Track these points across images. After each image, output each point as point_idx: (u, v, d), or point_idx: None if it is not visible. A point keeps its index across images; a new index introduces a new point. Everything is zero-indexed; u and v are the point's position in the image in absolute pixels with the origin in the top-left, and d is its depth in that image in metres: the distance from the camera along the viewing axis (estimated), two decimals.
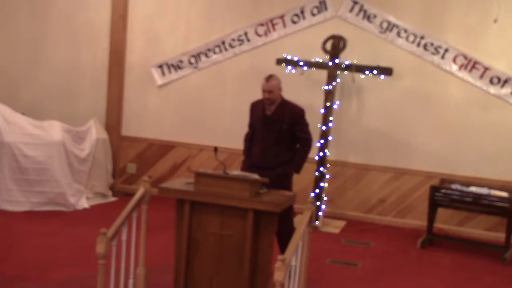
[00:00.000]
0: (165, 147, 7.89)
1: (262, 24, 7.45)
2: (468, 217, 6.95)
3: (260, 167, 4.88)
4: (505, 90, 6.82)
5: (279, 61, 7.07)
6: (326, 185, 6.97)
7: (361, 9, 7.15)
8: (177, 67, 7.77)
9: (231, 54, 7.58)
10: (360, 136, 7.28)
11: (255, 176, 4.12)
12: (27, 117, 7.14)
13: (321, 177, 6.89)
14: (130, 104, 7.96)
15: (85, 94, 8.05)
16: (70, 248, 5.54)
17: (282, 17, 7.37)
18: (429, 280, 5.43)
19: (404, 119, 7.15)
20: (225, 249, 4.07)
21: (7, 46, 8.20)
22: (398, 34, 7.06)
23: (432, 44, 6.98)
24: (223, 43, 7.59)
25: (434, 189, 6.35)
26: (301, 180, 7.19)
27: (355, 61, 6.86)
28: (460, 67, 6.93)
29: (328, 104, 6.85)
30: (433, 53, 6.99)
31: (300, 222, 3.97)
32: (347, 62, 6.84)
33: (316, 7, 7.27)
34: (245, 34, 7.51)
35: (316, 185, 6.87)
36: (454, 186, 6.43)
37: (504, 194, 6.23)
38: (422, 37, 7.00)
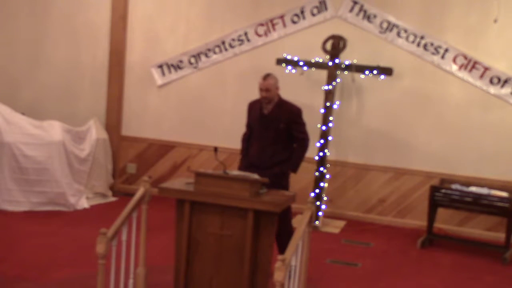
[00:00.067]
0: (165, 147, 7.89)
1: (262, 24, 7.45)
2: (468, 217, 6.95)
3: (257, 166, 4.89)
4: (505, 90, 6.82)
5: (279, 61, 7.07)
6: (326, 185, 6.97)
7: (361, 9, 7.15)
8: (177, 67, 7.77)
9: (231, 54, 7.58)
10: (360, 136, 7.28)
11: (255, 176, 4.12)
12: (27, 117, 7.14)
13: (321, 177, 6.88)
14: (130, 104, 7.96)
15: (85, 94, 8.05)
16: (70, 248, 5.54)
17: (282, 17, 7.38)
18: (429, 280, 5.43)
19: (404, 119, 7.15)
20: (225, 249, 4.07)
21: (7, 46, 8.20)
22: (398, 34, 7.06)
23: (432, 44, 6.98)
24: (223, 43, 7.59)
25: (434, 189, 6.35)
26: (301, 180, 7.20)
27: (355, 61, 6.87)
28: (460, 67, 6.93)
29: (328, 104, 6.85)
30: (433, 53, 6.99)
31: (300, 222, 3.97)
32: (347, 62, 6.84)
33: (316, 7, 7.27)
34: (245, 34, 7.51)
35: (316, 185, 6.87)
36: (454, 186, 6.43)
37: (504, 194, 6.23)
38: (422, 37, 7.00)
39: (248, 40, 7.51)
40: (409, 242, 6.55)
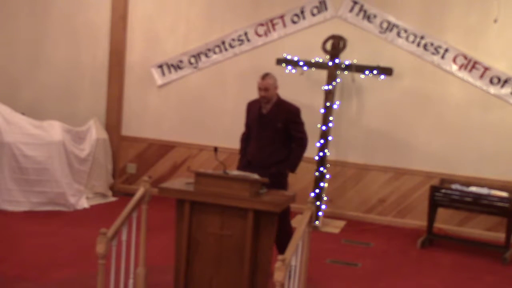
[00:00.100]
0: (165, 147, 7.89)
1: (262, 24, 7.45)
2: (468, 217, 6.95)
3: (256, 165, 4.90)
4: (505, 90, 6.82)
5: (279, 61, 7.07)
6: (326, 185, 6.97)
7: (361, 9, 7.15)
8: (177, 67, 7.77)
9: (231, 54, 7.58)
10: (360, 136, 7.28)
11: (255, 176, 4.12)
12: (27, 117, 7.14)
13: (321, 177, 6.88)
14: (130, 104, 7.96)
15: (85, 94, 8.05)
16: (70, 248, 5.54)
17: (282, 17, 7.38)
18: (429, 280, 5.43)
19: (404, 119, 7.15)
20: (225, 249, 4.07)
21: (7, 46, 8.20)
22: (398, 34, 7.06)
23: (432, 44, 6.98)
24: (223, 43, 7.59)
25: (434, 189, 6.35)
26: (301, 180, 7.21)
27: (355, 61, 6.87)
28: (460, 67, 6.93)
29: (328, 104, 6.85)
30: (433, 53, 6.99)
31: (300, 222, 3.97)
32: (347, 62, 6.84)
33: (316, 7, 7.27)
34: (245, 34, 7.51)
35: (316, 185, 6.87)
36: (454, 186, 6.43)
37: (504, 194, 6.23)
38: (422, 37, 7.00)
39: (248, 40, 7.51)
40: (409, 242, 6.55)
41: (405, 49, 7.06)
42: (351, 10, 7.18)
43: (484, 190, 6.26)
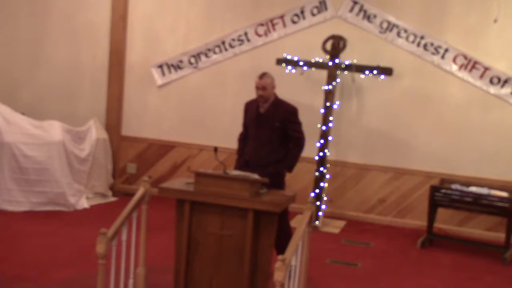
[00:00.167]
0: (165, 147, 7.89)
1: (262, 24, 7.45)
2: (468, 217, 6.95)
3: (253, 165, 4.90)
4: (505, 90, 6.82)
5: (279, 61, 7.07)
6: (326, 185, 6.97)
7: (361, 9, 7.15)
8: (177, 67, 7.77)
9: (231, 54, 7.58)
10: (360, 136, 7.28)
11: (255, 176, 4.12)
12: (27, 117, 7.14)
13: (321, 177, 6.88)
14: (130, 104, 7.96)
15: (85, 94, 8.05)
16: (70, 248, 5.54)
17: (282, 17, 7.38)
18: (429, 280, 5.43)
19: (404, 119, 7.15)
20: (225, 249, 4.07)
21: (7, 46, 8.20)
22: (398, 34, 7.06)
23: (432, 44, 6.98)
24: (223, 43, 7.59)
25: (434, 189, 6.35)
26: (301, 180, 7.22)
27: (355, 61, 6.87)
28: (460, 67, 6.93)
29: (328, 104, 6.85)
30: (433, 53, 6.99)
31: (300, 222, 3.97)
32: (347, 62, 6.85)
33: (316, 7, 7.27)
34: (245, 34, 7.51)
35: (316, 185, 6.87)
36: (454, 186, 6.43)
37: (504, 194, 6.23)
38: (422, 37, 7.00)
39: (248, 40, 7.51)
40: (409, 242, 6.55)
41: (405, 49, 7.06)
42: (351, 10, 7.18)
43: (484, 190, 6.26)
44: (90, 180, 7.31)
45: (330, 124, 6.89)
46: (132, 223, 4.10)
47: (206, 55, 7.66)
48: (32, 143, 6.75)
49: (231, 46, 7.57)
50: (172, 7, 7.74)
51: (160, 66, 7.81)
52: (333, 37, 6.86)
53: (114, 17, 7.82)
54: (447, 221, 6.99)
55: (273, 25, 7.42)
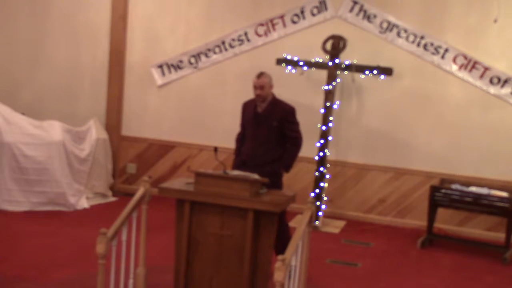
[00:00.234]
0: (165, 147, 7.89)
1: (262, 24, 7.45)
2: (468, 217, 6.95)
3: (250, 164, 4.90)
4: (505, 90, 6.82)
5: (279, 61, 7.07)
6: (326, 185, 6.97)
7: (361, 9, 7.15)
8: (177, 67, 7.77)
9: (231, 54, 7.58)
10: (360, 136, 7.28)
11: (255, 176, 4.12)
12: (27, 117, 7.14)
13: (321, 177, 6.88)
14: (130, 104, 7.96)
15: (85, 94, 8.05)
16: (70, 248, 5.54)
17: (282, 17, 7.38)
18: (429, 280, 5.43)
19: (404, 119, 7.15)
20: (225, 249, 4.07)
21: (7, 46, 8.20)
22: (398, 34, 7.06)
23: (432, 44, 6.98)
24: (223, 43, 7.59)
25: (434, 189, 6.35)
26: (301, 180, 7.22)
27: (355, 61, 6.87)
28: (460, 67, 6.93)
29: (328, 104, 6.85)
30: (433, 53, 6.99)
31: (300, 222, 3.97)
32: (347, 62, 6.85)
33: (316, 7, 7.27)
34: (245, 34, 7.51)
35: (316, 185, 6.87)
36: (454, 186, 6.43)
37: (504, 194, 6.23)
38: (422, 37, 7.00)
39: (248, 40, 7.51)
40: (409, 242, 6.55)
41: (405, 49, 7.06)
42: (351, 10, 7.18)
43: (484, 190, 6.26)
44: (90, 180, 7.31)
45: (330, 124, 6.89)
46: (132, 223, 4.10)
47: (206, 55, 7.66)
48: (32, 143, 6.75)
49: (231, 46, 7.57)
50: (172, 7, 7.74)
51: (160, 66, 7.81)
52: (333, 37, 6.86)
53: (114, 17, 7.82)
54: (447, 221, 6.99)
55: (273, 25, 7.42)
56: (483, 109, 6.92)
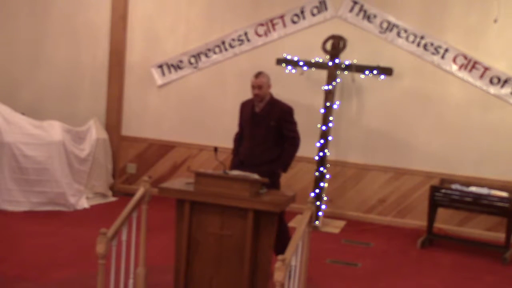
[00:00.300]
0: (165, 147, 7.89)
1: (262, 24, 7.45)
2: (468, 217, 6.95)
3: (248, 164, 4.90)
4: (505, 90, 6.82)
5: (279, 61, 7.07)
6: (326, 185, 6.97)
7: (361, 9, 7.15)
8: (177, 67, 7.77)
9: (231, 54, 7.58)
10: (360, 136, 7.28)
11: (255, 176, 4.12)
12: (27, 117, 7.14)
13: (321, 177, 6.88)
14: (130, 104, 7.96)
15: (85, 94, 8.05)
16: (70, 248, 5.54)
17: (282, 17, 7.38)
18: (429, 280, 5.43)
19: (404, 119, 7.15)
20: (225, 249, 4.07)
21: (7, 46, 8.20)
22: (398, 34, 7.06)
23: (432, 44, 6.98)
24: (223, 43, 7.59)
25: (434, 189, 6.35)
26: (301, 180, 7.22)
27: (355, 61, 6.87)
28: (460, 67, 6.93)
29: (328, 104, 6.85)
30: (433, 53, 6.99)
31: (300, 222, 3.97)
32: (347, 62, 6.85)
33: (316, 7, 7.27)
34: (245, 34, 7.51)
35: (316, 185, 6.87)
36: (454, 186, 6.43)
37: (504, 194, 6.23)
38: (422, 37, 7.00)
39: (248, 40, 7.51)
40: (409, 242, 6.55)
41: (405, 49, 7.06)
42: (351, 10, 7.18)
43: (484, 190, 6.26)
44: (90, 180, 7.31)
45: (330, 124, 6.89)
46: (132, 223, 4.10)
47: (206, 55, 7.66)
48: (32, 143, 6.75)
49: (231, 46, 7.57)
50: (172, 7, 7.74)
51: (160, 66, 7.81)
52: (333, 37, 6.86)
53: (114, 17, 7.82)
54: (447, 221, 6.99)
55: (273, 25, 7.42)
56: (483, 109, 6.92)
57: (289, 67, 7.06)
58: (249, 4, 7.50)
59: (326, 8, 7.24)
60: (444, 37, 6.96)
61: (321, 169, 6.87)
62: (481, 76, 6.87)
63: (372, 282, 5.27)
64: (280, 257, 3.30)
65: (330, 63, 6.84)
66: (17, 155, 6.65)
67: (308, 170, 7.14)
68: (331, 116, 6.89)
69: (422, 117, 7.10)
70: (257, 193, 4.05)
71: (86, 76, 8.04)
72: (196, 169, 4.40)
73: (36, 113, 7.71)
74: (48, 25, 8.07)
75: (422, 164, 7.11)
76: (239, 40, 7.53)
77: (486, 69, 6.84)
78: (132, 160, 8.03)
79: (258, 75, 5.04)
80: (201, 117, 7.73)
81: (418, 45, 7.02)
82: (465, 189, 6.34)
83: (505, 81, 6.80)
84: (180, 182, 4.31)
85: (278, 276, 3.25)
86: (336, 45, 6.85)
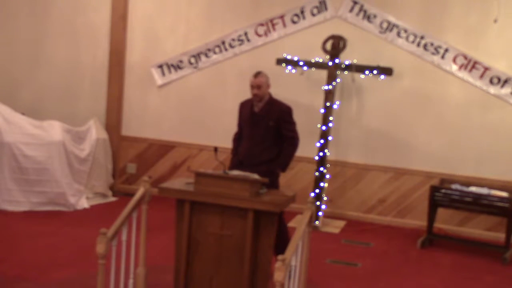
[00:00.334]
0: (165, 147, 7.89)
1: (262, 24, 7.45)
2: (468, 217, 6.95)
3: (247, 164, 4.90)
4: (505, 90, 6.82)
5: (279, 61, 7.07)
6: (326, 185, 6.97)
7: (361, 9, 7.15)
8: (177, 67, 7.77)
9: (231, 54, 7.58)
10: (360, 136, 7.28)
11: (255, 176, 4.12)
12: (27, 117, 7.14)
13: (321, 177, 6.88)
14: (130, 104, 7.96)
15: (85, 94, 8.05)
16: (70, 248, 5.54)
17: (282, 17, 7.38)
18: (429, 280, 5.43)
19: (404, 119, 7.15)
20: (225, 249, 4.07)
21: (7, 46, 8.20)
22: (398, 34, 7.06)
23: (432, 44, 6.98)
24: (223, 43, 7.59)
25: (434, 189, 6.35)
26: (301, 180, 7.22)
27: (355, 61, 6.87)
28: (460, 67, 6.93)
29: (328, 104, 6.85)
30: (433, 53, 6.99)
31: (300, 222, 3.97)
32: (347, 62, 6.85)
33: (316, 7, 7.27)
34: (245, 34, 7.51)
35: (316, 185, 6.87)
36: (454, 186, 6.43)
37: (504, 194, 6.23)
38: (422, 37, 7.00)
39: (248, 40, 7.51)
40: (409, 242, 6.55)
41: (405, 49, 7.06)
42: (351, 10, 7.18)
43: (484, 190, 6.26)
44: (90, 180, 7.31)
45: (330, 124, 6.89)
46: (132, 223, 4.10)
47: (206, 55, 7.66)
48: (32, 143, 6.75)
49: (231, 46, 7.57)
50: (172, 7, 7.74)
51: (160, 66, 7.81)
52: (333, 37, 6.87)
53: (114, 17, 7.82)
54: (447, 221, 6.99)
55: (273, 25, 7.42)
56: (483, 109, 6.92)
57: (289, 67, 7.06)
58: (249, 4, 7.50)
59: (326, 8, 7.25)
60: (444, 37, 6.96)
61: (321, 169, 6.87)
62: (481, 76, 6.87)
63: (372, 282, 5.27)
64: (280, 257, 3.30)
65: (330, 63, 6.84)
66: (17, 155, 6.65)
67: (308, 170, 7.14)
68: (331, 116, 6.89)
69: (422, 117, 7.10)
70: (257, 193, 4.05)
71: (86, 76, 8.04)
72: (196, 169, 4.39)
73: (36, 113, 7.71)
74: (48, 25, 8.07)
75: (422, 164, 7.11)
76: (239, 40, 7.53)
77: (486, 69, 6.84)
78: (132, 160, 8.03)
79: (257, 75, 5.04)
80: (201, 117, 7.73)
81: (418, 45, 7.02)
82: (465, 189, 6.34)
83: (505, 81, 6.80)
84: (180, 182, 4.31)
85: (278, 276, 3.25)
86: (336, 45, 6.85)
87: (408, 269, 5.72)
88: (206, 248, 4.11)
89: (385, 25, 7.09)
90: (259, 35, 7.48)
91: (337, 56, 6.84)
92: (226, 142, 7.04)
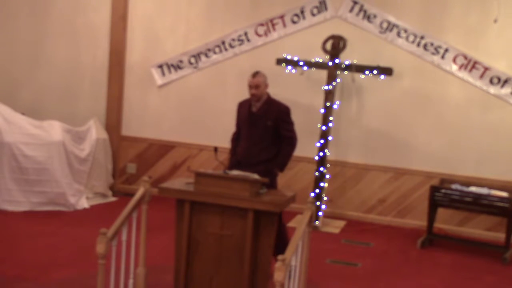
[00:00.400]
0: (165, 147, 7.89)
1: (262, 24, 7.45)
2: (468, 217, 6.95)
3: (245, 164, 4.89)
4: (505, 90, 6.82)
5: (279, 61, 7.07)
6: (326, 185, 6.97)
7: (361, 9, 7.15)
8: (177, 67, 7.77)
9: (231, 54, 7.58)
10: (360, 136, 7.28)
11: (255, 176, 4.12)
12: (27, 117, 7.14)
13: (321, 177, 6.88)
14: (130, 104, 7.96)
15: (85, 94, 8.05)
16: (70, 248, 5.54)
17: (282, 17, 7.38)
18: (429, 280, 5.43)
19: (404, 119, 7.15)
20: (225, 249, 4.07)
21: (7, 46, 8.20)
22: (398, 34, 7.06)
23: (432, 44, 6.98)
24: (223, 43, 7.59)
25: (434, 189, 6.35)
26: (301, 180, 7.22)
27: (355, 61, 6.87)
28: (460, 67, 6.93)
29: (328, 104, 6.85)
30: (433, 53, 6.99)
31: (300, 222, 3.97)
32: (347, 62, 6.85)
33: (316, 7, 7.27)
34: (245, 34, 7.51)
35: (316, 185, 6.87)
36: (454, 186, 6.43)
37: (504, 194, 6.23)
38: (422, 37, 7.00)
39: (248, 40, 7.51)
40: (409, 242, 6.55)
41: (405, 49, 7.06)
42: (351, 10, 7.18)
43: (484, 190, 6.26)
44: (90, 180, 7.31)
45: (330, 124, 6.89)
46: (132, 223, 4.10)
47: (206, 55, 7.66)
48: (32, 143, 6.75)
49: (231, 46, 7.57)
50: (172, 7, 7.74)
51: (160, 66, 7.81)
52: (333, 37, 6.86)
53: (114, 17, 7.82)
54: (447, 221, 6.99)
55: (273, 25, 7.42)
56: (483, 109, 6.92)
57: (289, 67, 7.06)
58: (249, 4, 7.50)
59: (326, 8, 7.25)
60: (444, 37, 6.96)
61: (321, 169, 6.87)
62: (481, 76, 6.87)
63: (372, 282, 5.27)
64: (280, 257, 3.30)
65: (330, 63, 6.84)
66: (17, 155, 6.65)
67: (308, 170, 7.14)
68: (331, 116, 6.89)
69: (422, 117, 7.10)
70: (257, 193, 4.05)
71: (86, 76, 8.04)
72: (196, 169, 4.40)
73: (36, 113, 7.71)
74: (48, 25, 8.07)
75: (422, 164, 7.11)
76: (239, 40, 7.53)
77: (486, 69, 6.84)
78: (132, 160, 8.03)
79: (255, 74, 5.04)
80: (201, 117, 7.73)
81: (418, 45, 7.02)
82: (465, 189, 6.34)
83: (505, 81, 6.80)
84: (180, 182, 4.31)
85: (278, 276, 3.25)
86: (336, 45, 6.85)
87: (408, 269, 5.72)
88: (206, 248, 4.11)
89: (385, 25, 7.09)
90: (259, 35, 7.48)
91: (337, 56, 6.84)
92: (226, 142, 7.03)
